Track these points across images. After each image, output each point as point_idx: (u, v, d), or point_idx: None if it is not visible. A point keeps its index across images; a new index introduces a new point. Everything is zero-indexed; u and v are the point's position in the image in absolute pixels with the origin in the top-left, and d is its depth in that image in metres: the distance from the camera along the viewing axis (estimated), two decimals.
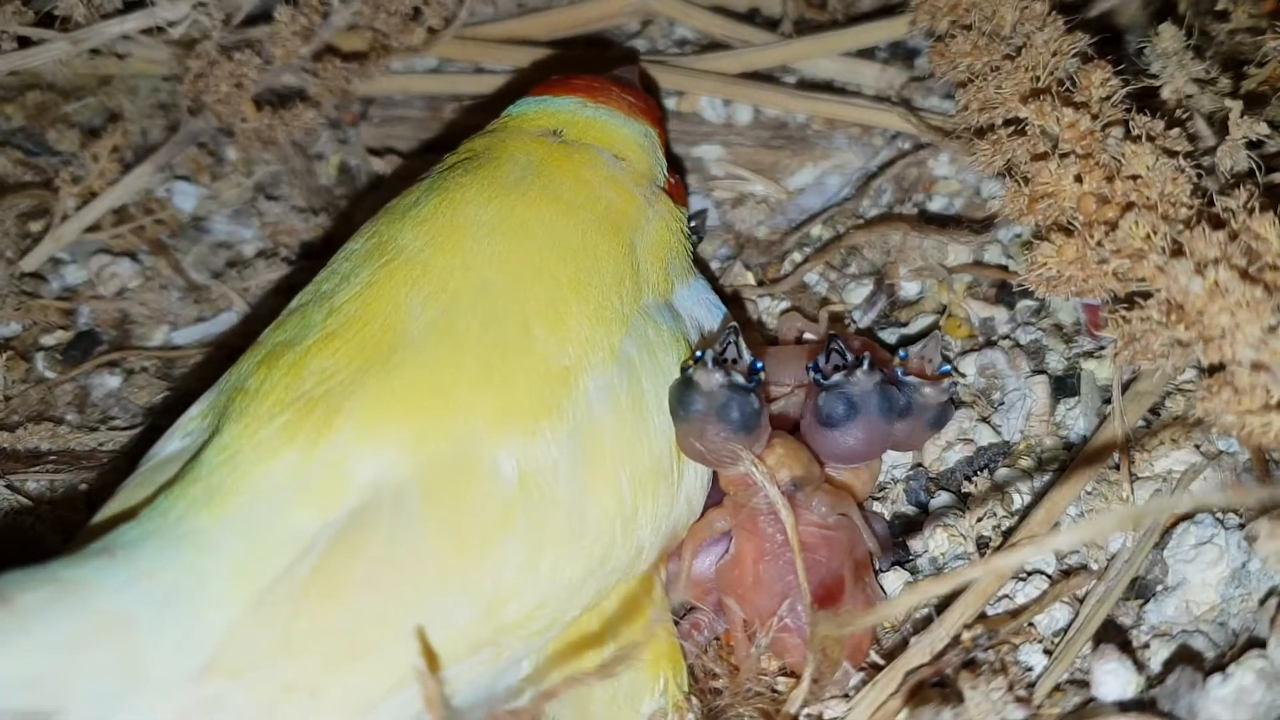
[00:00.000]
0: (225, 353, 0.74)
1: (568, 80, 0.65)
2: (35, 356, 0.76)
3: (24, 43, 0.81)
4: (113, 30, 0.80)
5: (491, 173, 0.58)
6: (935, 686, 0.47)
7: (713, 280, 0.70)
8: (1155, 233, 0.48)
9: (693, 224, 0.66)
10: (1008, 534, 0.56)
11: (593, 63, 0.77)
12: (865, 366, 0.54)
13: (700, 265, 0.67)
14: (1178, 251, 0.46)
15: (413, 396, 0.49)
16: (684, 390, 0.53)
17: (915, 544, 0.59)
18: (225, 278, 0.78)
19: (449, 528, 0.47)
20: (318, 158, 0.83)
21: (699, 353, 0.54)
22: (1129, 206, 0.50)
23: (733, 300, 0.71)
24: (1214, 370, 0.46)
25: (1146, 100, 0.60)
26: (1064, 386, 0.63)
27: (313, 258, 0.78)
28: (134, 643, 0.43)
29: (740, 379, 0.53)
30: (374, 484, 0.47)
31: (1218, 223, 0.47)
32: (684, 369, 0.54)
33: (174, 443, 0.54)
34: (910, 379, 0.57)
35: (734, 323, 0.57)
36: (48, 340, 0.77)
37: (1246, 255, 0.45)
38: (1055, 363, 0.64)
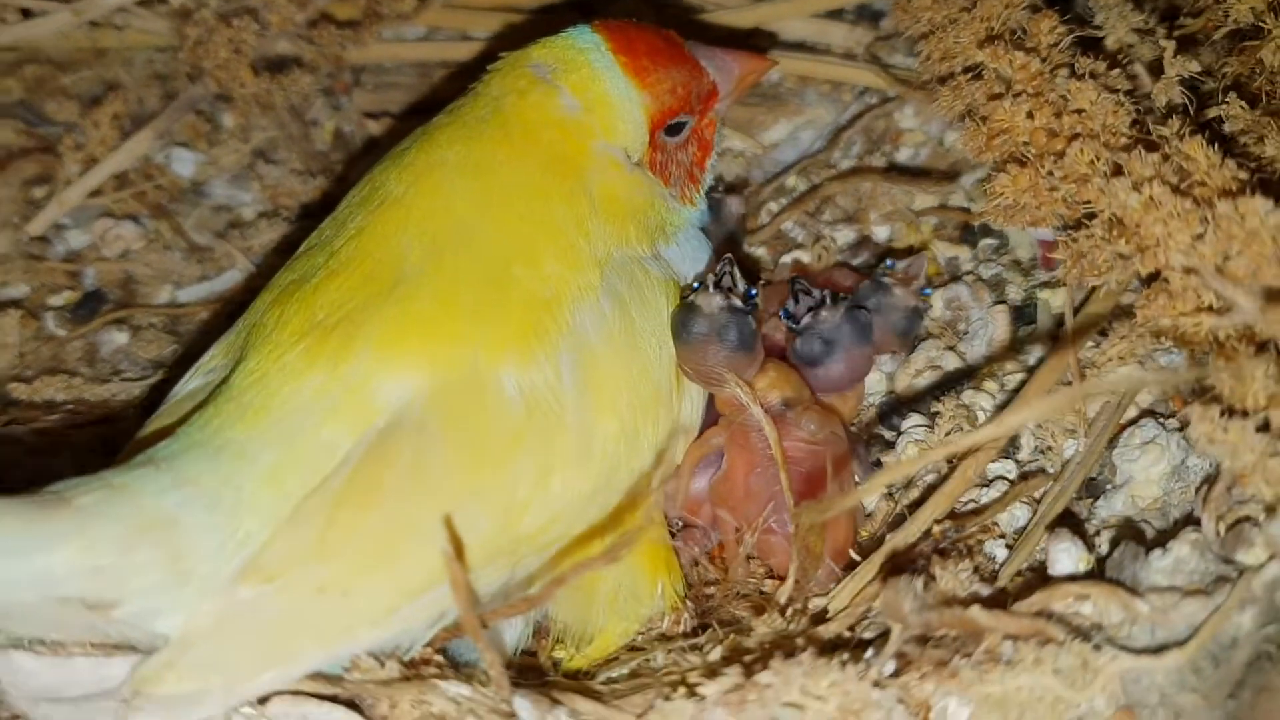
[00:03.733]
0: (230, 308, 0.77)
1: (618, 25, 0.62)
2: (45, 316, 0.79)
3: (26, 15, 0.85)
4: (112, 1, 0.84)
5: (468, 110, 0.60)
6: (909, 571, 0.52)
7: None
8: (1098, 159, 0.53)
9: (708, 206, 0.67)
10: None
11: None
12: (829, 302, 0.59)
13: None
14: (1117, 172, 0.51)
15: (418, 327, 0.53)
16: (686, 314, 0.58)
17: (888, 458, 0.64)
18: (228, 238, 0.82)
19: (466, 446, 0.51)
20: (313, 123, 0.86)
21: (698, 281, 0.59)
22: (1075, 137, 0.55)
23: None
24: (1151, 279, 0.51)
25: (1092, 48, 0.65)
26: (1023, 315, 0.68)
27: (312, 217, 0.81)
28: (180, 543, 0.48)
29: (738, 303, 0.58)
30: (396, 405, 0.51)
31: (1152, 147, 0.52)
32: (684, 295, 0.58)
33: (195, 381, 0.58)
34: (886, 280, 0.62)
35: (730, 255, 0.61)
36: (55, 300, 0.81)
37: (1178, 174, 0.50)
38: (1014, 294, 0.69)
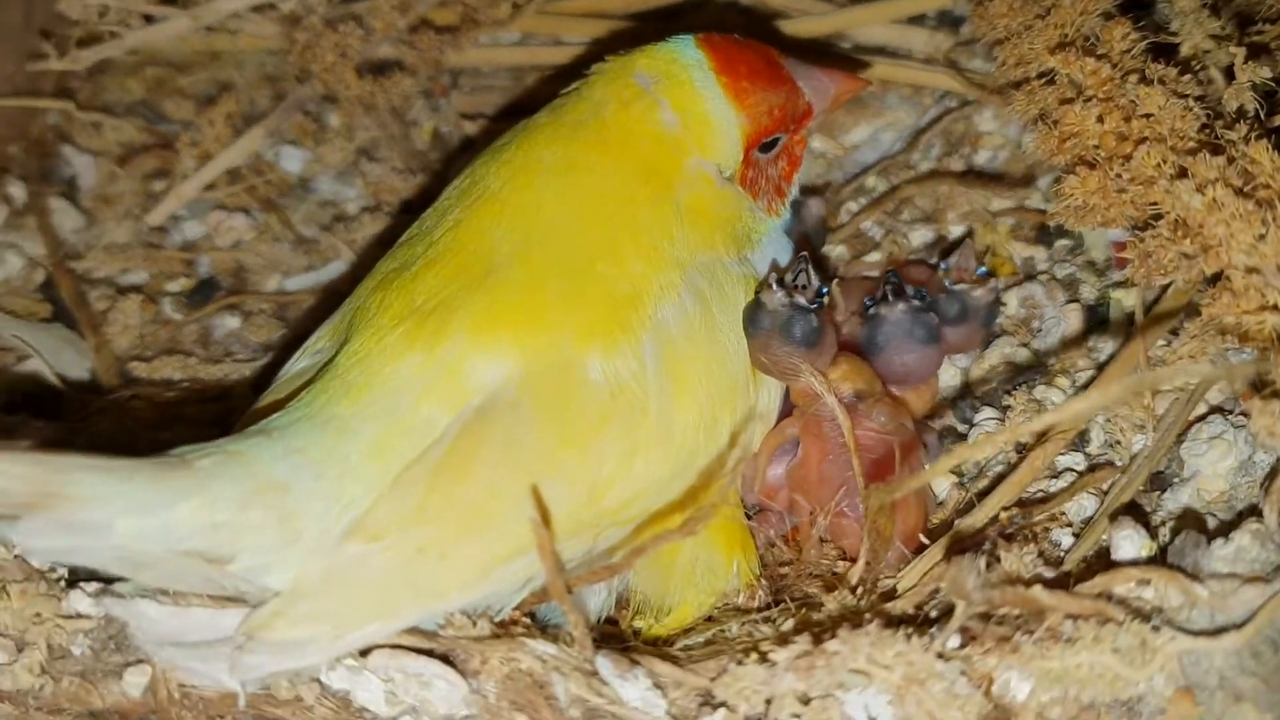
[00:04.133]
0: (334, 296, 0.81)
1: (723, 40, 0.64)
2: (163, 300, 0.85)
3: (148, 20, 0.91)
4: (227, 6, 0.89)
5: (567, 113, 0.63)
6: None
7: None
8: (1164, 161, 0.55)
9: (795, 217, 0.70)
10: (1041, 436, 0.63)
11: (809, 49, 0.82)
12: (888, 300, 0.62)
13: None
14: (1182, 175, 0.53)
15: (509, 313, 0.56)
16: (753, 309, 0.61)
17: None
18: (332, 231, 0.87)
19: (555, 426, 0.54)
20: (413, 123, 0.91)
21: (768, 277, 0.61)
22: (1142, 141, 0.57)
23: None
24: (1215, 279, 0.53)
25: (1167, 55, 0.67)
26: (1095, 314, 0.69)
27: (411, 212, 0.86)
28: (289, 506, 0.51)
29: (802, 300, 0.60)
30: (490, 386, 0.54)
31: (1218, 150, 0.54)
32: (756, 292, 0.61)
33: (302, 361, 0.62)
34: (958, 287, 0.64)
35: (804, 253, 0.64)
36: (172, 286, 0.86)
37: (1242, 177, 0.52)
38: (1088, 293, 0.71)
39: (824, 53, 0.86)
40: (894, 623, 0.49)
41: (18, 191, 0.88)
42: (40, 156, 0.91)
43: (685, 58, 0.63)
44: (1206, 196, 0.51)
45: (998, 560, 0.52)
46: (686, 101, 0.62)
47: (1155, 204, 0.56)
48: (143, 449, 0.53)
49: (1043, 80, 0.66)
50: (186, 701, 0.51)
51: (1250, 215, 0.50)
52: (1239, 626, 0.46)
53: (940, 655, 0.47)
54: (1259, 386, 0.51)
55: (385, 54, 0.88)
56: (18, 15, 0.90)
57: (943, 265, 0.66)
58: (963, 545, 0.54)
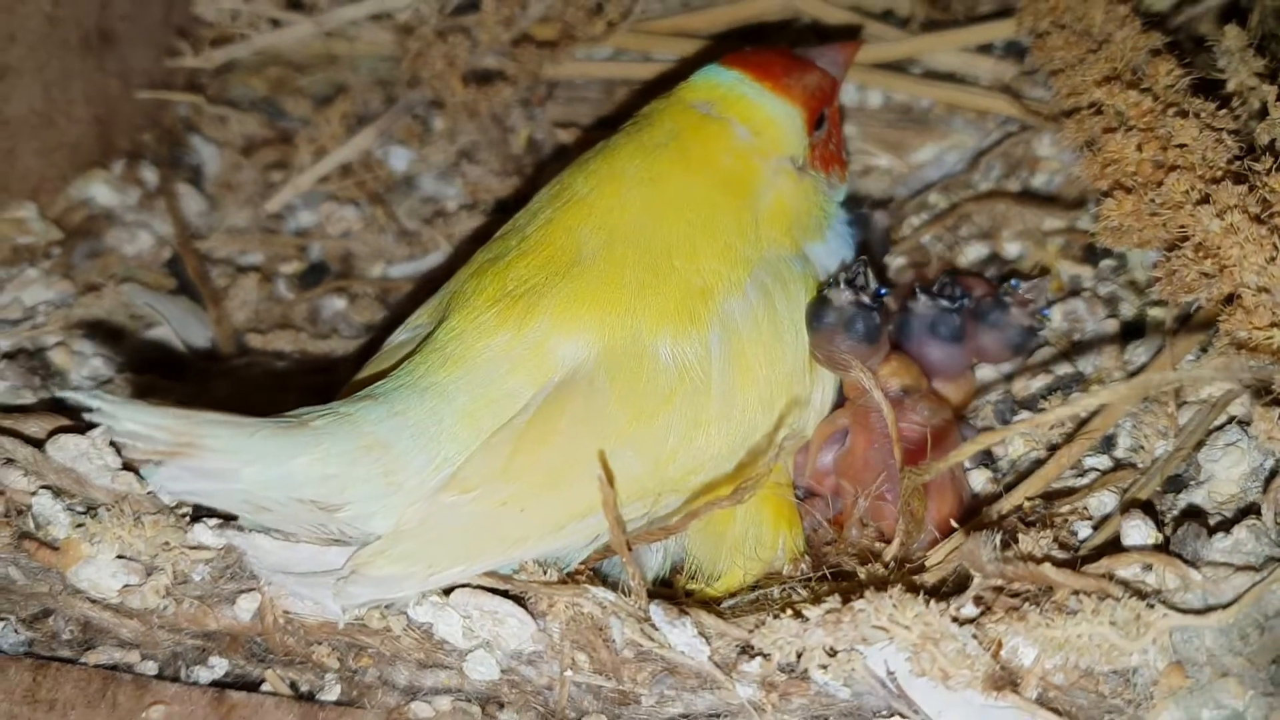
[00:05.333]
0: (432, 285, 0.89)
1: (744, 55, 0.74)
2: (277, 281, 0.92)
3: (275, 24, 0.99)
4: (347, 14, 0.98)
5: (644, 136, 0.70)
6: None
7: None
8: (1192, 188, 0.60)
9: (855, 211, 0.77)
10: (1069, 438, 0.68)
11: (796, 37, 0.89)
12: (924, 299, 0.68)
13: None
14: (1206, 201, 0.58)
15: (591, 299, 0.63)
16: (819, 305, 0.67)
17: (998, 449, 0.71)
18: (433, 225, 0.94)
19: (628, 399, 0.60)
20: (511, 129, 0.98)
21: (833, 278, 0.67)
22: (1173, 169, 0.62)
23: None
24: (1231, 298, 0.58)
25: (1212, 90, 0.72)
26: (1133, 330, 0.74)
27: (505, 211, 0.92)
28: (392, 460, 0.58)
29: (866, 299, 0.66)
30: (571, 362, 0.61)
31: (1241, 179, 0.59)
32: (820, 289, 0.67)
33: (403, 334, 0.69)
34: (1007, 299, 0.70)
35: (865, 256, 0.70)
36: (286, 269, 0.94)
37: (1261, 205, 0.57)
38: (1127, 310, 0.76)
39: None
40: (916, 590, 0.55)
41: (150, 175, 0.96)
42: (171, 145, 0.99)
43: (725, 79, 0.71)
44: (1225, 221, 0.56)
45: (1015, 541, 0.57)
46: (750, 112, 0.71)
47: (1182, 227, 0.61)
48: (256, 411, 0.59)
49: (1092, 110, 0.71)
50: (289, 627, 0.58)
51: (1263, 239, 0.55)
52: (1225, 607, 0.51)
53: (955, 619, 0.53)
54: (1261, 394, 0.56)
55: (489, 64, 0.96)
56: (157, 15, 0.99)
57: (1014, 283, 0.72)
58: (984, 527, 0.59)
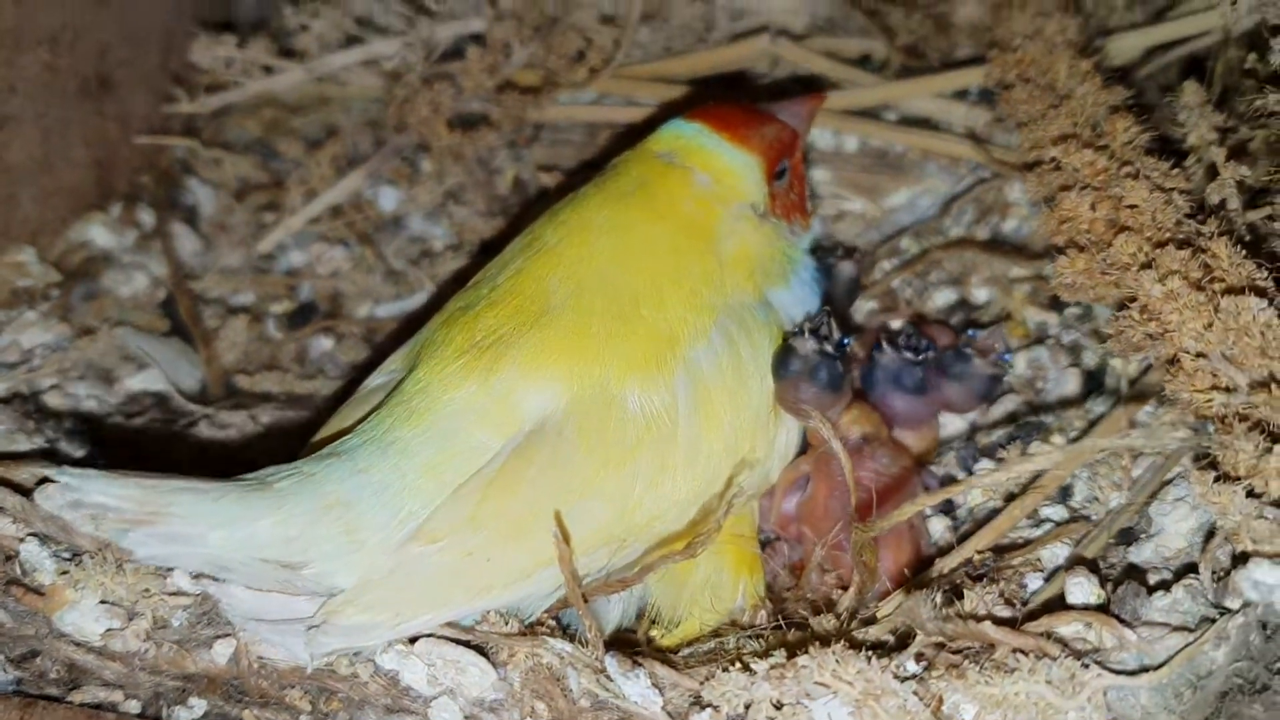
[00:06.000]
0: (417, 324, 0.91)
1: (706, 109, 0.77)
2: (267, 320, 0.94)
3: (268, 71, 1.02)
4: (338, 61, 1.00)
5: (611, 186, 0.73)
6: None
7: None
8: (1139, 250, 0.61)
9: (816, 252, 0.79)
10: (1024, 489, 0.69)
11: (766, 92, 0.91)
12: (889, 350, 0.70)
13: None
14: (1149, 265, 0.60)
15: (559, 349, 0.64)
16: (784, 354, 0.68)
17: (957, 498, 0.73)
18: (419, 265, 0.96)
19: (595, 449, 0.62)
20: (496, 171, 1.00)
21: (797, 327, 0.69)
22: (1122, 229, 0.63)
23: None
24: (1173, 360, 0.59)
25: (1173, 145, 0.73)
26: (1094, 379, 0.76)
27: (490, 252, 0.94)
28: (354, 519, 0.60)
29: (829, 348, 0.68)
30: (539, 413, 0.62)
31: (1185, 244, 0.60)
32: (785, 338, 0.69)
33: (377, 379, 0.71)
34: (969, 350, 0.72)
35: (828, 307, 0.72)
36: (276, 308, 0.95)
37: (1203, 270, 0.59)
38: (1089, 359, 0.77)
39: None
40: (862, 645, 0.56)
41: (147, 217, 0.99)
42: (167, 187, 1.01)
43: (687, 130, 0.74)
44: (1166, 287, 0.58)
45: (960, 597, 0.58)
46: (710, 162, 0.73)
47: (1129, 287, 0.62)
48: (236, 459, 0.62)
49: (1051, 165, 0.73)
50: (263, 671, 0.60)
51: (1200, 306, 0.57)
52: (1157, 668, 0.53)
53: (896, 675, 0.54)
54: (1199, 457, 0.58)
55: (475, 109, 0.98)
56: (154, 62, 1.01)
57: (972, 333, 0.74)
58: (930, 582, 0.61)
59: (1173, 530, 0.64)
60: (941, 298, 0.85)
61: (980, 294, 0.85)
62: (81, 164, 0.95)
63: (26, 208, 0.91)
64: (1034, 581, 0.64)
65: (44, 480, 0.63)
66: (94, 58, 0.95)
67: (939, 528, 0.72)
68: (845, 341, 0.70)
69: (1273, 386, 0.54)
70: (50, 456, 0.72)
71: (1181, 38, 0.86)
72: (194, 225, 1.00)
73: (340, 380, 0.89)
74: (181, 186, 1.02)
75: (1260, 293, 0.55)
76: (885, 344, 0.73)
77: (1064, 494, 0.69)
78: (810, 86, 0.94)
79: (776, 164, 0.75)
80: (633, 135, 0.90)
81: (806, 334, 0.68)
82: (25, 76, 0.88)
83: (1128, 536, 0.65)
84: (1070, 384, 0.76)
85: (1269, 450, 0.54)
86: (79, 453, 0.77)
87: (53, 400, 0.83)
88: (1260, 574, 0.54)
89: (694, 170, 0.72)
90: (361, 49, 0.99)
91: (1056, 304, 0.82)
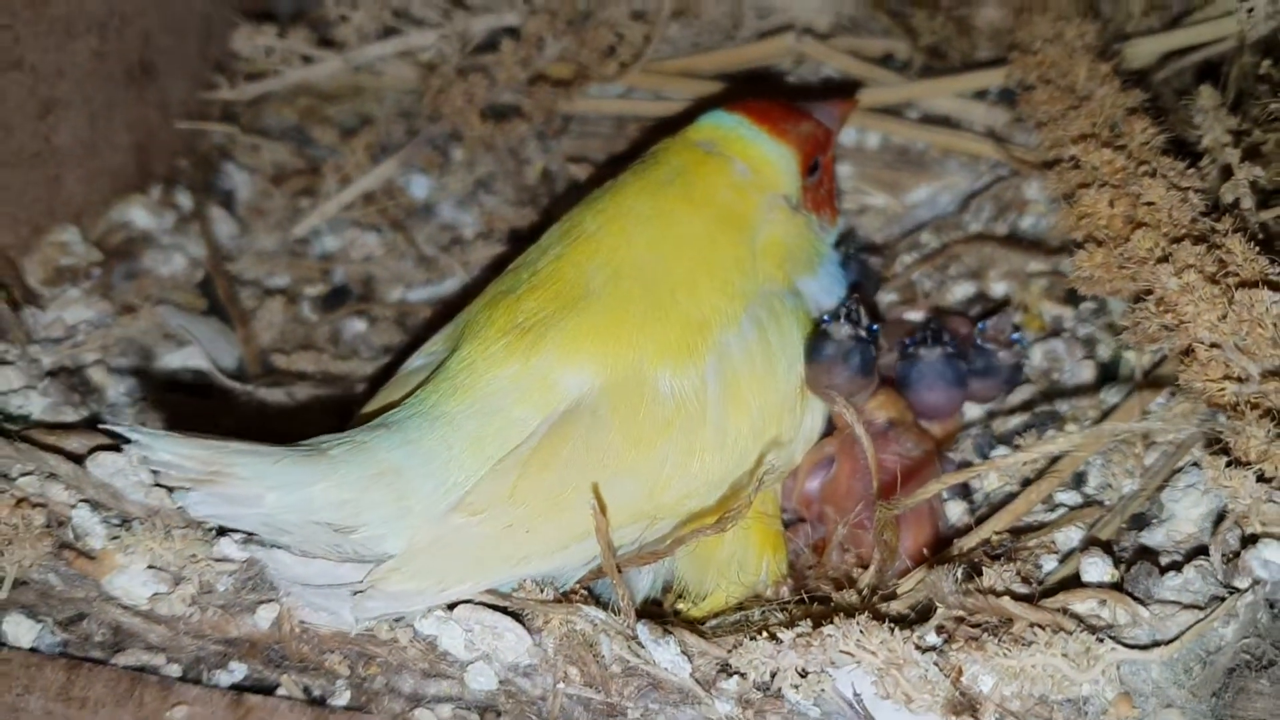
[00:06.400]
0: (448, 308, 0.93)
1: (746, 102, 0.80)
2: (302, 303, 0.97)
3: (306, 60, 1.04)
4: (374, 52, 1.03)
5: (651, 174, 0.75)
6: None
7: None
8: (1156, 245, 0.64)
9: (841, 247, 0.82)
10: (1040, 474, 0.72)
11: (799, 91, 0.94)
12: (928, 344, 0.72)
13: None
14: (1166, 259, 0.62)
15: (596, 333, 0.67)
16: (819, 339, 0.71)
17: (974, 483, 0.75)
18: (450, 252, 0.99)
19: (627, 429, 0.64)
20: (526, 162, 1.03)
21: (829, 314, 0.72)
22: (1140, 225, 0.66)
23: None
24: (1187, 351, 0.62)
25: (1188, 147, 0.76)
26: (1108, 370, 0.78)
27: (519, 240, 0.97)
28: (403, 486, 0.62)
29: (863, 334, 0.71)
30: (575, 393, 0.65)
31: (1200, 240, 0.63)
32: (819, 323, 0.72)
33: (418, 360, 0.73)
34: (989, 345, 0.74)
35: (857, 294, 0.74)
36: (310, 291, 0.98)
37: (1217, 264, 0.61)
38: (1104, 352, 0.80)
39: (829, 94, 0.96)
40: (884, 618, 0.59)
41: (185, 200, 1.01)
42: (205, 171, 1.04)
43: (728, 121, 0.77)
44: (1182, 280, 0.60)
45: (979, 574, 0.61)
46: (749, 152, 0.76)
47: (1146, 281, 0.65)
48: (277, 433, 0.63)
49: (1071, 164, 0.75)
50: (304, 636, 0.62)
51: (1215, 299, 0.59)
52: (1168, 643, 0.55)
53: (918, 646, 0.57)
54: (1211, 443, 0.60)
55: (507, 100, 1.01)
56: (195, 50, 1.04)
57: (981, 325, 0.76)
58: (950, 559, 0.63)
59: (1184, 516, 0.66)
60: (960, 291, 0.87)
61: (998, 288, 0.87)
62: (123, 148, 0.98)
63: (71, 188, 0.93)
64: (1049, 563, 0.66)
65: (105, 446, 0.66)
66: (138, 45, 0.97)
67: (956, 511, 0.74)
68: (874, 328, 0.72)
69: None
70: (96, 425, 0.74)
71: (1198, 44, 0.88)
72: (231, 209, 1.02)
73: (373, 361, 0.92)
74: (219, 171, 1.04)
75: (1273, 286, 0.57)
76: (928, 339, 0.75)
77: (1078, 480, 0.72)
78: (841, 88, 0.97)
79: (811, 159, 0.78)
80: (661, 129, 0.93)
81: (841, 319, 0.70)
82: (74, 62, 0.91)
83: (1140, 521, 0.67)
84: (1085, 375, 0.78)
85: (1279, 437, 0.56)
86: (120, 426, 0.79)
87: (96, 375, 0.85)
88: (1270, 554, 0.56)
89: (733, 159, 0.75)
90: (398, 40, 1.01)
91: (1072, 298, 0.84)
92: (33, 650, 0.62)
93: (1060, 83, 0.80)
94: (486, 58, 0.99)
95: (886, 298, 0.89)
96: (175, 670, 0.62)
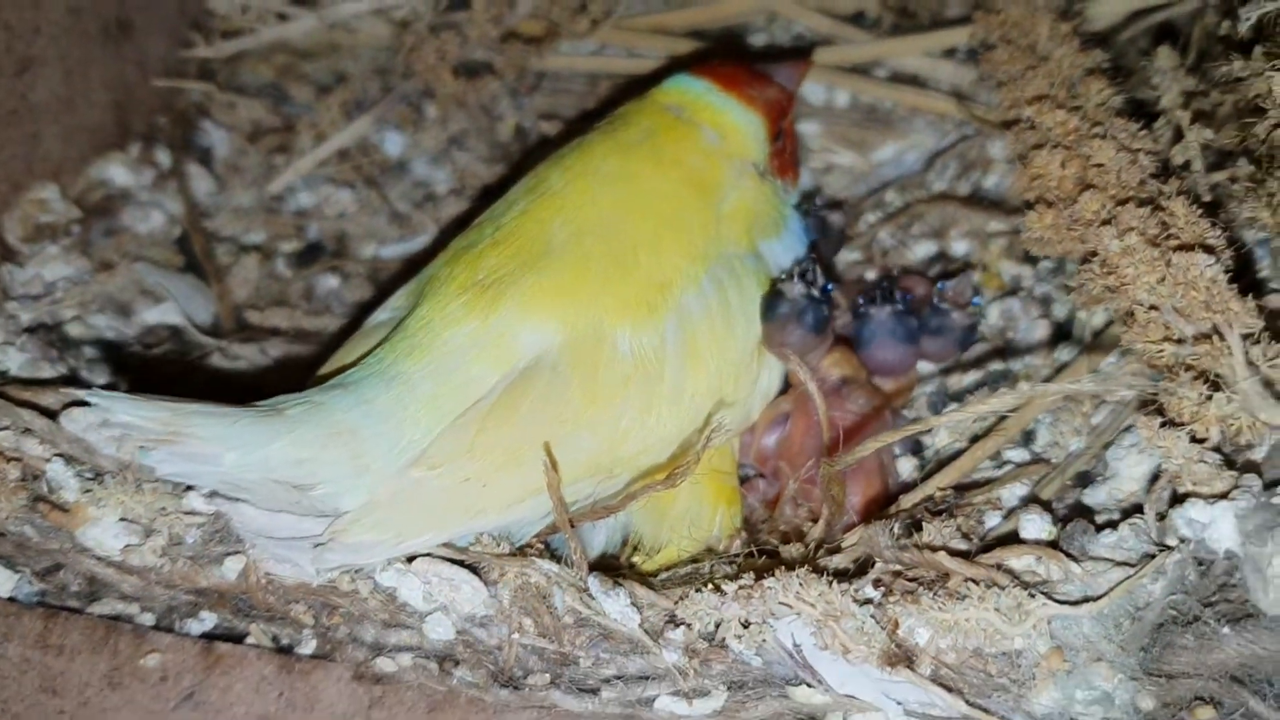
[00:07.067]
0: (420, 265, 0.94)
1: (713, 66, 0.81)
2: (276, 259, 0.98)
3: (281, 18, 1.05)
4: (349, 9, 1.03)
5: (619, 135, 0.76)
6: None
7: None
8: (1102, 208, 0.65)
9: (803, 206, 0.83)
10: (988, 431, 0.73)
11: (755, 53, 0.94)
12: (879, 302, 0.73)
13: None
14: (1110, 221, 0.63)
15: (556, 290, 0.68)
16: (773, 298, 0.72)
17: (926, 439, 0.77)
18: (423, 208, 1.00)
19: (586, 384, 0.65)
20: (498, 119, 1.04)
21: (785, 273, 0.73)
22: (1088, 187, 0.67)
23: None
24: (1128, 313, 0.63)
25: (1146, 108, 0.76)
26: (1063, 330, 0.80)
27: (491, 197, 0.97)
28: (359, 445, 0.63)
29: (816, 293, 0.72)
30: (535, 350, 0.66)
31: (1145, 202, 0.64)
32: (774, 282, 0.73)
33: (382, 314, 0.74)
34: (944, 305, 0.75)
35: (814, 255, 0.75)
36: (285, 247, 0.99)
37: (1160, 227, 0.62)
38: (1060, 311, 0.81)
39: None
40: (825, 571, 0.61)
41: (164, 158, 1.02)
42: (183, 129, 1.04)
43: (696, 86, 0.78)
44: (1123, 242, 0.61)
45: (919, 529, 0.63)
46: (719, 119, 0.77)
47: (1092, 243, 0.66)
48: (248, 388, 0.65)
49: (1027, 124, 0.76)
50: (270, 587, 0.64)
51: (1154, 261, 0.60)
52: (1097, 599, 0.57)
53: (855, 599, 0.59)
54: (1146, 404, 0.61)
55: (479, 57, 1.01)
56: (172, 7, 1.05)
57: (941, 285, 0.77)
58: (892, 515, 0.65)
59: (1126, 474, 0.67)
60: (922, 250, 0.89)
61: (959, 247, 0.88)
62: (101, 105, 0.99)
63: (49, 146, 0.94)
64: (993, 519, 0.68)
65: (77, 402, 0.67)
66: (114, 2, 0.98)
67: (907, 468, 0.76)
68: (829, 287, 0.74)
69: (1215, 338, 0.58)
70: (72, 383, 0.75)
71: (1162, 3, 0.88)
72: (208, 166, 1.03)
73: (346, 317, 0.93)
74: (197, 128, 1.05)
75: (1209, 250, 0.58)
76: (878, 297, 0.76)
77: (1027, 438, 0.73)
78: (797, 50, 0.97)
79: (777, 125, 0.79)
80: (633, 86, 0.94)
81: (795, 279, 0.72)
82: (50, 19, 0.92)
83: (1085, 479, 0.69)
84: (1040, 334, 0.79)
85: (1209, 398, 0.58)
86: (99, 380, 0.81)
87: (74, 330, 0.87)
88: (1195, 513, 0.58)
89: (702, 126, 0.76)
90: None
91: (1031, 257, 0.85)
92: (11, 599, 0.64)
93: (1021, 42, 0.80)
94: (459, 15, 1.00)
95: (849, 256, 0.90)
96: (149, 619, 0.64)
